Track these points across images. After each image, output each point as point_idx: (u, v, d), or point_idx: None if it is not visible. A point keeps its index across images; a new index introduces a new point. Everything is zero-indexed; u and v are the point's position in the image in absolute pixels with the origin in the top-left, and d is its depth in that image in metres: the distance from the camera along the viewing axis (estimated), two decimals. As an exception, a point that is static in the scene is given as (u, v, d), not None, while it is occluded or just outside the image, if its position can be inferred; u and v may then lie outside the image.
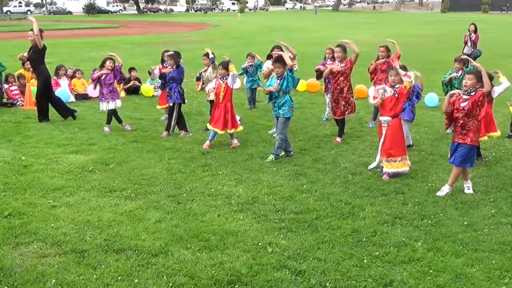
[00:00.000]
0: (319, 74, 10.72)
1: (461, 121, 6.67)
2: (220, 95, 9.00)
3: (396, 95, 7.39)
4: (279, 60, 8.20)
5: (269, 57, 10.64)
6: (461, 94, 6.70)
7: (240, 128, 9.29)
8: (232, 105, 9.13)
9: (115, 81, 10.26)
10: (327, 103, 10.83)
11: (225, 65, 9.03)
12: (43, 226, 5.75)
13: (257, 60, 12.35)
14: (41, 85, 10.89)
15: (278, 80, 8.21)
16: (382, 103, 7.48)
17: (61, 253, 5.16)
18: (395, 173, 7.43)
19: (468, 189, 6.88)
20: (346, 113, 9.42)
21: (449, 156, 6.96)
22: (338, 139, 9.45)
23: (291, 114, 8.41)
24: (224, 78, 9.01)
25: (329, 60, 10.51)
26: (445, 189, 6.82)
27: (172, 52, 10.00)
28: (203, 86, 10.26)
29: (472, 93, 6.60)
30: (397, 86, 7.42)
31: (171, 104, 9.71)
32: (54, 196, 6.66)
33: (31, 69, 12.14)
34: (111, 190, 6.89)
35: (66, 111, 11.14)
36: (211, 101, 9.71)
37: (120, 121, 10.29)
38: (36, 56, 10.72)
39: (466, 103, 6.60)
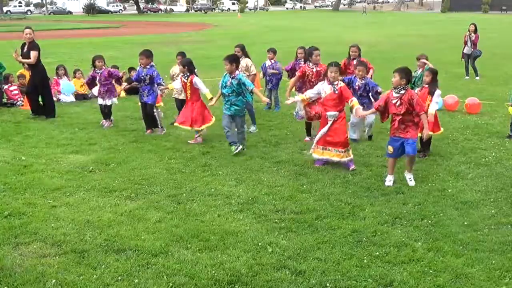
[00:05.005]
0: (290, 74, 10.78)
1: (400, 117, 6.92)
2: (187, 93, 9.16)
3: (337, 92, 7.65)
4: (229, 58, 8.44)
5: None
6: (392, 92, 6.97)
7: (212, 121, 9.29)
8: (202, 103, 9.22)
9: (113, 81, 10.49)
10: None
11: (184, 63, 9.12)
12: (43, 226, 5.75)
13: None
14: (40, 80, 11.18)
15: (230, 79, 8.39)
16: (324, 101, 7.79)
17: (61, 253, 5.15)
18: (332, 161, 7.78)
19: (410, 180, 7.17)
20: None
21: (391, 151, 7.07)
22: (308, 139, 9.31)
23: (244, 112, 8.81)
24: (185, 75, 9.08)
25: (301, 60, 10.40)
26: (391, 178, 7.13)
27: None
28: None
29: (402, 92, 6.87)
30: (336, 83, 7.68)
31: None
32: (54, 196, 6.66)
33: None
34: (111, 190, 6.89)
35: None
36: (176, 99, 10.33)
37: (107, 117, 10.51)
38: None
39: (396, 100, 6.87)
